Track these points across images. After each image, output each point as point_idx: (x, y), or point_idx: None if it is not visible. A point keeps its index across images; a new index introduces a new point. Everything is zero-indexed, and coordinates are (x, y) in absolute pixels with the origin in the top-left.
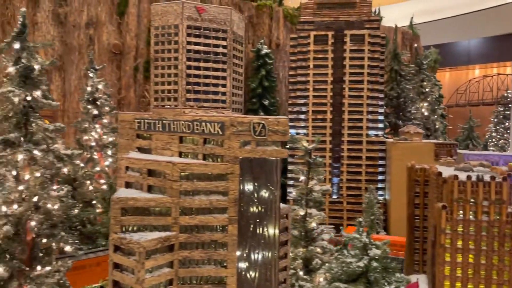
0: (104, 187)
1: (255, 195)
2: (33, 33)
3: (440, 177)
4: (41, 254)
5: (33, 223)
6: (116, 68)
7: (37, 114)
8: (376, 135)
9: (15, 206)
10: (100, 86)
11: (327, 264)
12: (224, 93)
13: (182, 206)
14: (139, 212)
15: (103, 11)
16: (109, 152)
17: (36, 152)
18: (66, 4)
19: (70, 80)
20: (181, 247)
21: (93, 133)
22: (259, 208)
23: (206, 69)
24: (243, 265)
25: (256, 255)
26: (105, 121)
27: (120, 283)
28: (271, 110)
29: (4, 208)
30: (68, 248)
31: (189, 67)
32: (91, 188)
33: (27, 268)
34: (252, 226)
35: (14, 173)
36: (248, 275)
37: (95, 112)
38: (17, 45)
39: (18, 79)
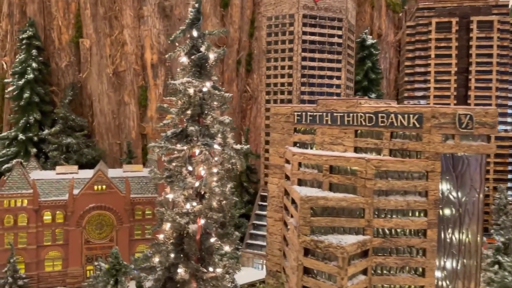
0: None
1: (456, 196)
2: (138, 27)
3: None
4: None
5: (202, 221)
6: (219, 62)
7: (209, 106)
8: (505, 130)
9: (193, 203)
10: None
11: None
12: (338, 86)
13: (376, 207)
14: (328, 213)
15: (207, 3)
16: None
17: (216, 146)
18: None
19: (175, 75)
20: (374, 253)
21: None
22: (460, 211)
23: (321, 60)
24: (439, 274)
25: (455, 264)
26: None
27: None
28: None
29: (187, 206)
30: (227, 248)
31: (304, 59)
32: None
33: (205, 270)
34: (451, 231)
35: (190, 168)
36: (445, 286)
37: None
38: (194, 33)
39: (193, 69)
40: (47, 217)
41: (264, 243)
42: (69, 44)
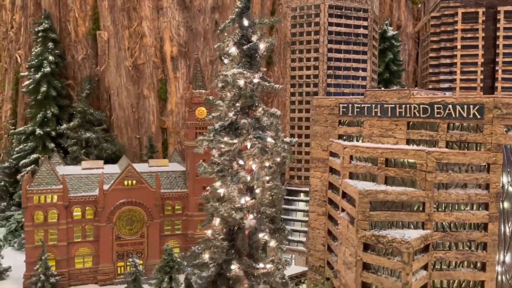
0: None
1: None
2: (157, 18)
3: None
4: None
5: (251, 216)
6: None
7: (258, 98)
8: None
9: (247, 198)
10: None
11: None
12: (364, 78)
13: (436, 201)
14: (387, 207)
15: None
16: None
17: (269, 139)
18: None
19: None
20: (433, 247)
21: None
22: None
23: (347, 52)
24: (500, 268)
25: None
26: None
27: (372, 286)
28: None
29: (242, 201)
30: (273, 244)
31: (330, 50)
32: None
33: (258, 266)
34: (511, 224)
35: (240, 162)
36: (506, 280)
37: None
38: (245, 22)
39: (243, 60)
40: (76, 213)
41: (292, 238)
42: (86, 37)
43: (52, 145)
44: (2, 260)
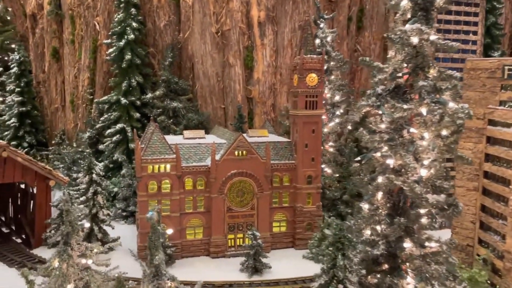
0: (331, 150)
1: None
2: None
3: None
4: None
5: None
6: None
7: (431, 58)
8: None
9: (424, 170)
10: (329, 38)
11: None
12: (475, 42)
13: None
14: None
15: None
16: (338, 112)
17: (451, 104)
18: None
19: (284, 33)
20: None
21: (325, 91)
22: None
23: (458, 13)
24: None
25: None
26: (332, 77)
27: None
28: None
29: (423, 173)
30: (424, 221)
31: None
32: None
33: (429, 245)
34: None
35: (412, 130)
36: None
37: (324, 67)
38: None
39: (419, 14)
40: (188, 183)
41: None
42: (169, 2)
43: (137, 114)
44: (111, 231)
